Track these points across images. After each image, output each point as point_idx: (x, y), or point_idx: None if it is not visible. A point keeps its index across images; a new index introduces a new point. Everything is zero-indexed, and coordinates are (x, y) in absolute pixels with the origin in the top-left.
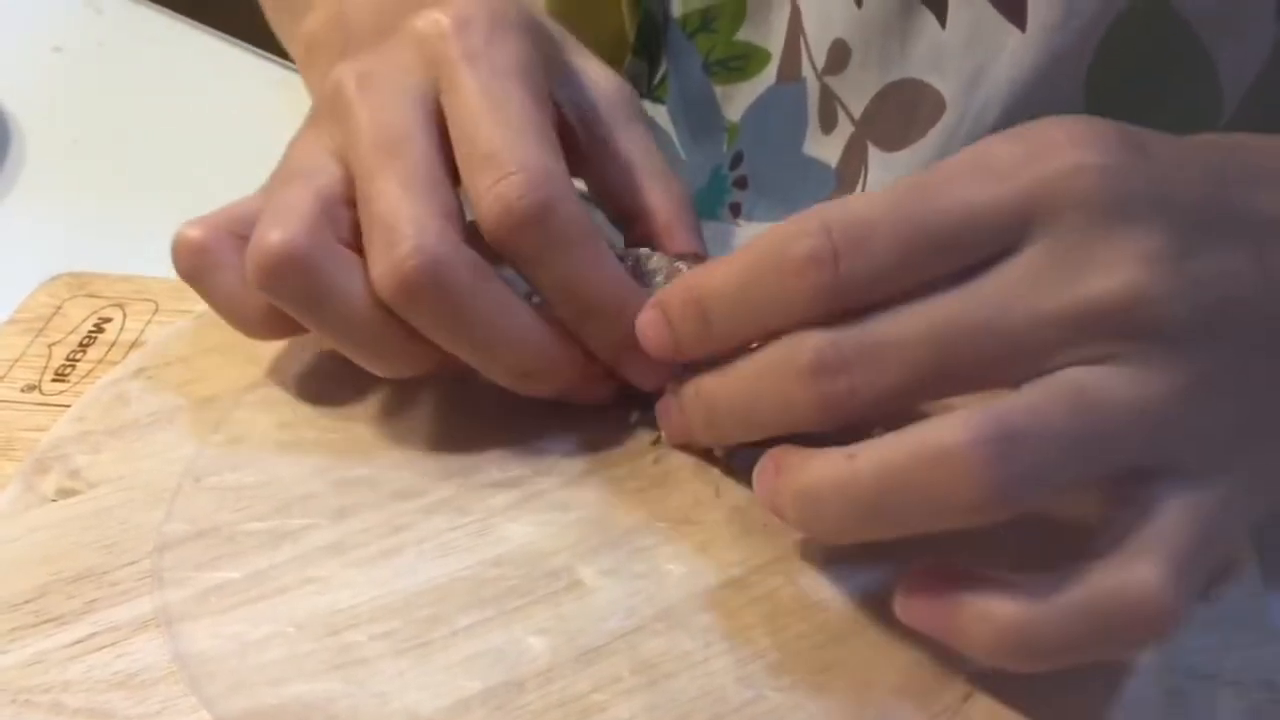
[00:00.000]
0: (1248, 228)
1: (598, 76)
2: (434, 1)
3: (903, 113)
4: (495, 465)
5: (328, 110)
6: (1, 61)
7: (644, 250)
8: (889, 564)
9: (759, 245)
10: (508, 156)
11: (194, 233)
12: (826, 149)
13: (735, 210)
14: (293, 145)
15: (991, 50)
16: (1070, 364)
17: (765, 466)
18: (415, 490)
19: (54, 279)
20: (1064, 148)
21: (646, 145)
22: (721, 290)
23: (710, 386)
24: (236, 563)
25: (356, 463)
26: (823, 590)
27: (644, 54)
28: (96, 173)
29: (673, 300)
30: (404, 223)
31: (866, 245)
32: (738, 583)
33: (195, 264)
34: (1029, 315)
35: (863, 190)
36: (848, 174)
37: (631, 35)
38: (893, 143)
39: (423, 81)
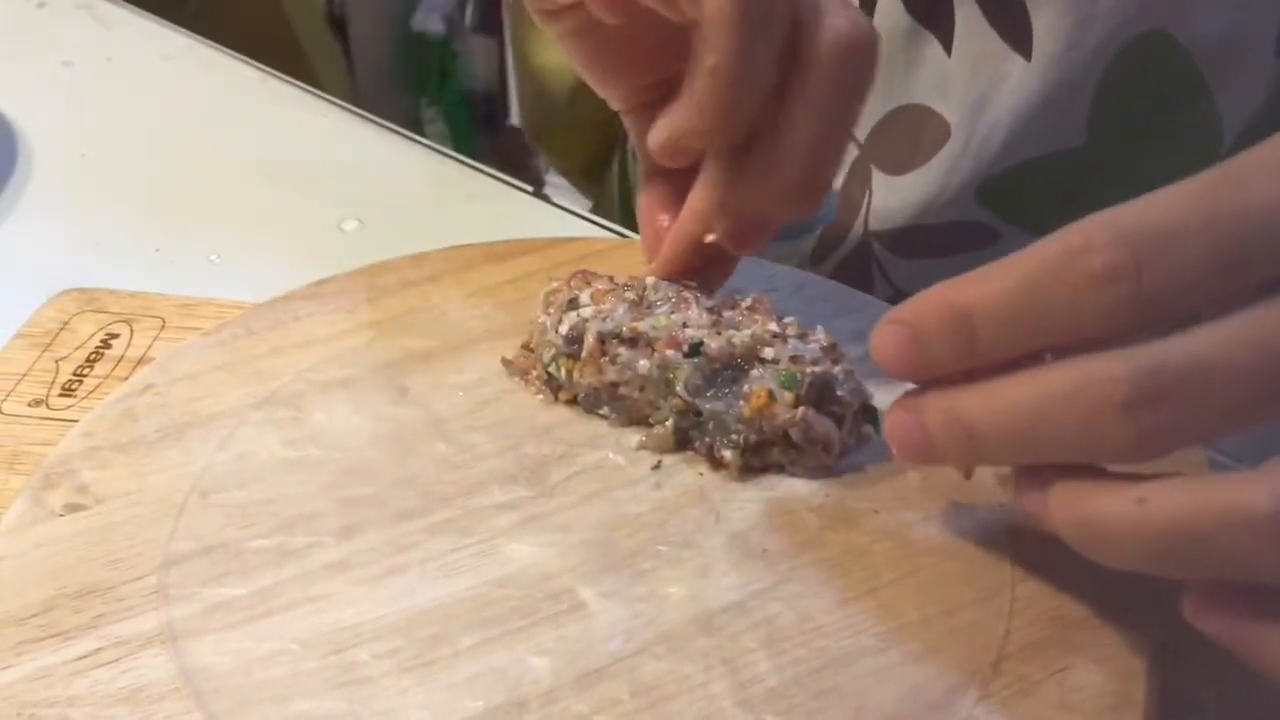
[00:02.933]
0: None
1: None
2: None
3: (907, 137)
4: (499, 486)
5: None
6: (11, 76)
7: (650, 279)
8: (890, 591)
9: (1039, 256)
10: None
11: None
12: None
13: None
14: None
15: (996, 77)
16: None
17: (1035, 488)
18: (419, 510)
19: (62, 294)
20: None
21: None
22: (996, 305)
23: (974, 410)
24: (242, 579)
25: (361, 481)
26: (822, 616)
27: None
28: (104, 187)
29: (927, 315)
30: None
31: (1173, 255)
32: (737, 607)
33: None
34: None
35: (866, 213)
36: (850, 196)
37: None
38: (897, 167)
39: None
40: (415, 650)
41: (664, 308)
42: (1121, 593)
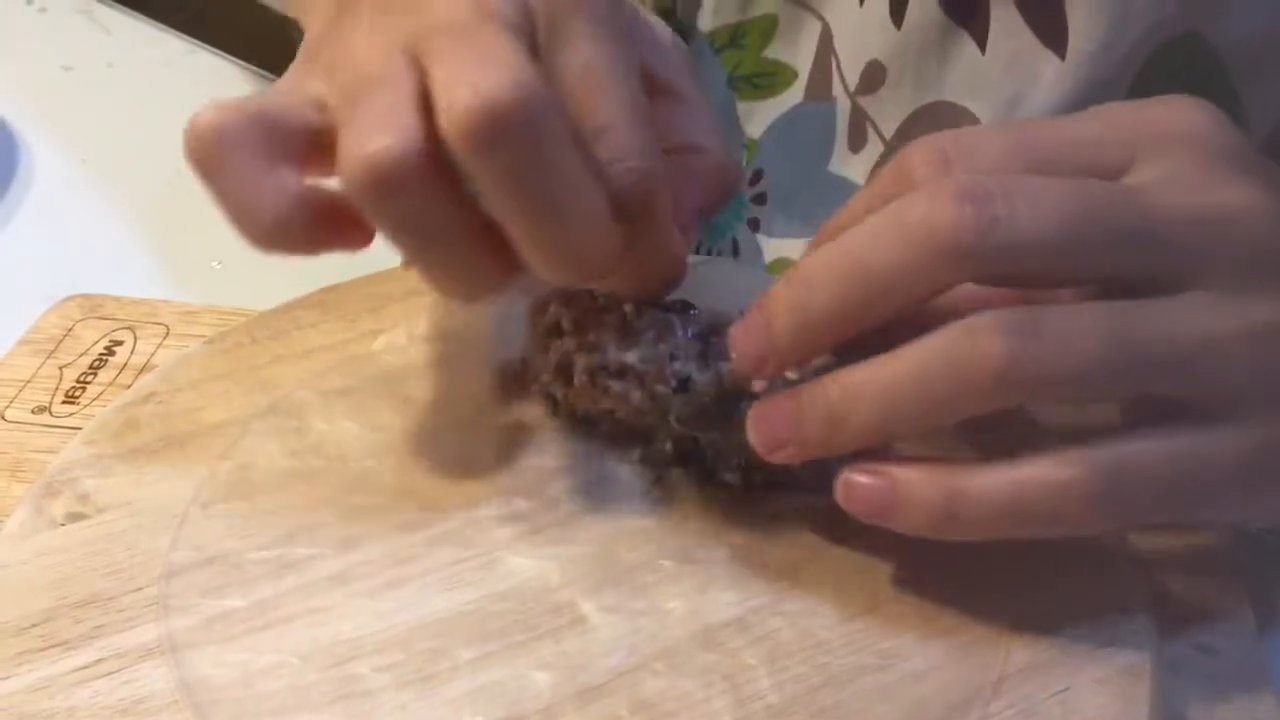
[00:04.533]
0: None
1: (663, 32)
2: None
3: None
4: (500, 499)
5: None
6: (11, 81)
7: (630, 306)
8: (892, 608)
9: (873, 185)
10: (620, 134)
11: (212, 114)
12: (853, 168)
13: (754, 225)
14: (339, 42)
15: (1030, 76)
16: (1173, 272)
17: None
18: (420, 522)
19: (66, 300)
20: (1171, 106)
21: (703, 96)
22: (844, 255)
23: (861, 379)
24: (242, 591)
25: (362, 492)
26: (823, 632)
27: None
28: (105, 193)
29: (814, 268)
30: (505, 60)
31: (976, 153)
32: (738, 623)
33: (210, 147)
34: (1159, 211)
35: None
36: None
37: None
38: None
39: (520, 6)
40: (415, 664)
41: (649, 334)
42: (1123, 613)
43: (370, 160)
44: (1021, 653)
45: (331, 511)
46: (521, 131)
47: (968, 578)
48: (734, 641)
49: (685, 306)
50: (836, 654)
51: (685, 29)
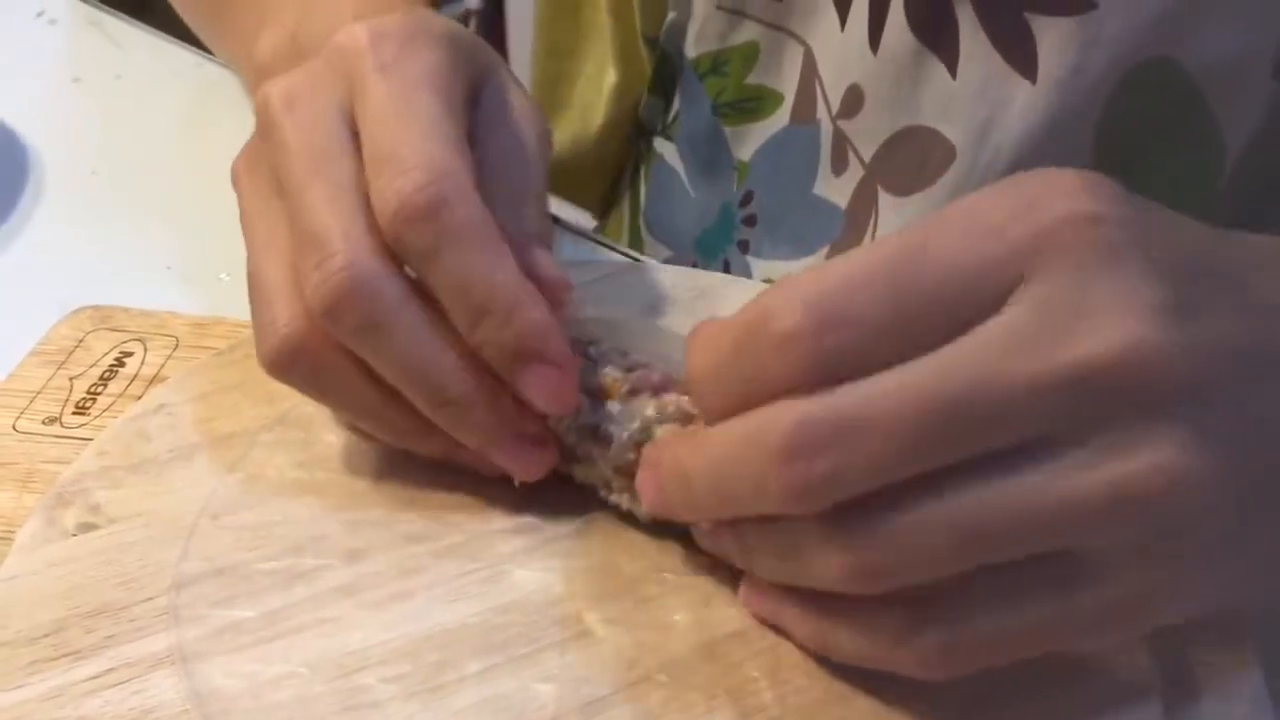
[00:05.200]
0: (1244, 303)
1: (519, 101)
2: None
3: (913, 159)
4: (506, 511)
5: (260, 133)
6: (21, 93)
7: (596, 351)
8: None
9: (738, 322)
10: (406, 153)
11: (285, 327)
12: (836, 191)
13: (744, 247)
14: (238, 174)
15: (1001, 101)
16: (1043, 433)
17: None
18: (427, 534)
19: (76, 312)
20: (1055, 198)
21: (540, 171)
22: (710, 369)
23: (683, 455)
24: (251, 602)
25: (370, 504)
26: None
27: (660, 92)
28: (115, 204)
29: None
30: (335, 237)
31: (849, 315)
32: (741, 636)
33: (297, 364)
34: (1018, 379)
35: (873, 234)
36: (858, 216)
37: (649, 73)
38: (903, 188)
39: (342, 95)
40: (422, 675)
41: (618, 411)
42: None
43: (329, 285)
44: (1023, 667)
45: (339, 523)
46: (359, 302)
47: None
48: (736, 654)
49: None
50: (838, 668)
51: (671, 57)
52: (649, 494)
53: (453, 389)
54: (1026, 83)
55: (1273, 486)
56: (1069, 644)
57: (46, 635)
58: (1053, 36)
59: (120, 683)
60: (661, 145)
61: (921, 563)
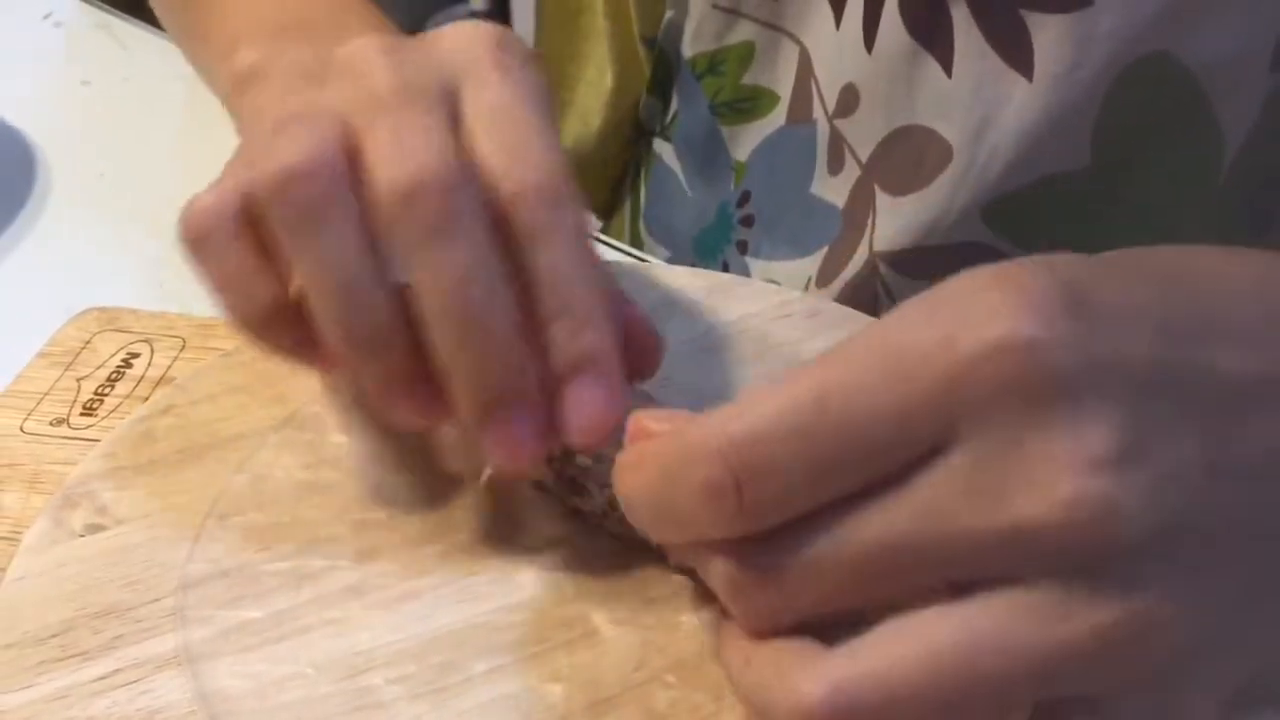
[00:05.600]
0: (1198, 403)
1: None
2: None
3: (909, 158)
4: (513, 512)
5: (337, 70)
6: (28, 95)
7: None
8: None
9: (667, 452)
10: (535, 148)
11: (207, 196)
12: (833, 190)
13: (742, 248)
14: (271, 113)
15: (998, 99)
16: (997, 578)
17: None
18: (434, 535)
19: (83, 313)
20: (984, 323)
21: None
22: (640, 496)
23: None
24: (258, 602)
25: (378, 506)
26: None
27: (658, 92)
28: (123, 206)
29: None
30: (427, 135)
31: (767, 471)
32: None
33: (203, 231)
34: (953, 535)
35: (871, 234)
36: (855, 216)
37: (647, 73)
38: (900, 187)
39: (448, 77)
40: (429, 676)
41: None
42: None
43: (285, 168)
44: None
45: (347, 524)
46: (441, 194)
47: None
48: None
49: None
50: None
51: (669, 57)
52: None
53: (489, 326)
54: (1023, 80)
55: (1265, 588)
56: None
57: (54, 636)
58: (1049, 33)
59: (127, 683)
60: (660, 145)
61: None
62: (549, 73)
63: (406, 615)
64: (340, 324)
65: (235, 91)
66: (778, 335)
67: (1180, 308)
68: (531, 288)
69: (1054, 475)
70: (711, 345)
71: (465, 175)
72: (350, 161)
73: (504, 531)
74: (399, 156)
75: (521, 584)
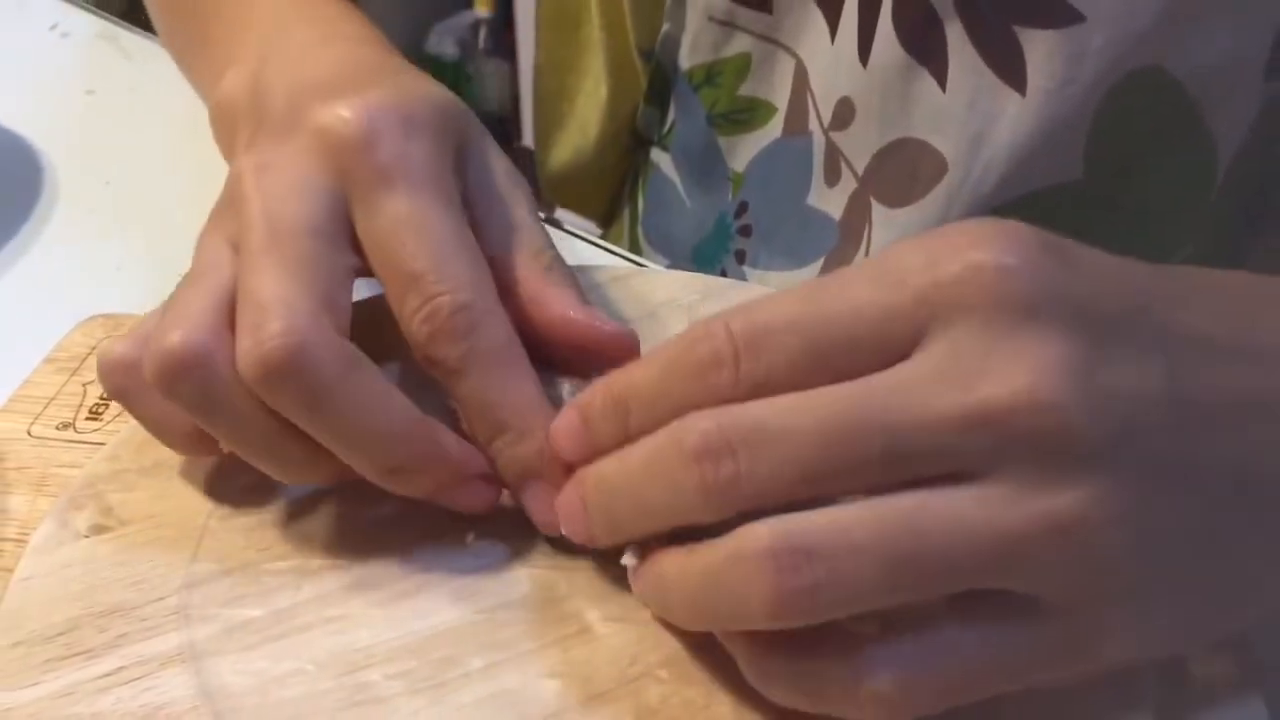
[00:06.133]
0: (1163, 346)
1: (502, 167)
2: (343, 89)
3: (904, 171)
4: (510, 512)
5: (228, 199)
6: (35, 105)
7: (568, 384)
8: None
9: (674, 344)
10: (434, 276)
11: (119, 349)
12: (830, 202)
13: (740, 258)
14: (200, 236)
15: (992, 113)
16: (955, 471)
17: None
18: (434, 533)
19: (89, 319)
20: (963, 249)
21: (530, 222)
22: (642, 389)
23: (605, 467)
24: (260, 601)
25: (377, 505)
26: None
27: (656, 102)
28: (127, 214)
29: (594, 400)
30: (275, 303)
31: (764, 346)
32: None
33: (120, 382)
34: (918, 415)
35: (868, 246)
36: (852, 228)
37: (644, 84)
38: (895, 200)
39: (330, 185)
40: (427, 672)
41: None
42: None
43: (163, 355)
44: None
45: (347, 524)
46: (294, 373)
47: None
48: None
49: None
50: None
51: (666, 69)
52: (571, 510)
53: (399, 459)
54: (1016, 95)
55: (1211, 533)
56: (1012, 685)
57: (60, 634)
58: (1041, 49)
59: (132, 680)
60: (658, 155)
61: (849, 588)
62: (548, 84)
63: (405, 613)
64: (261, 466)
65: (218, 118)
66: None
67: (1155, 281)
68: (467, 411)
69: (1017, 369)
70: None
71: (309, 342)
72: (230, 326)
73: (501, 530)
74: (250, 330)
75: (518, 582)
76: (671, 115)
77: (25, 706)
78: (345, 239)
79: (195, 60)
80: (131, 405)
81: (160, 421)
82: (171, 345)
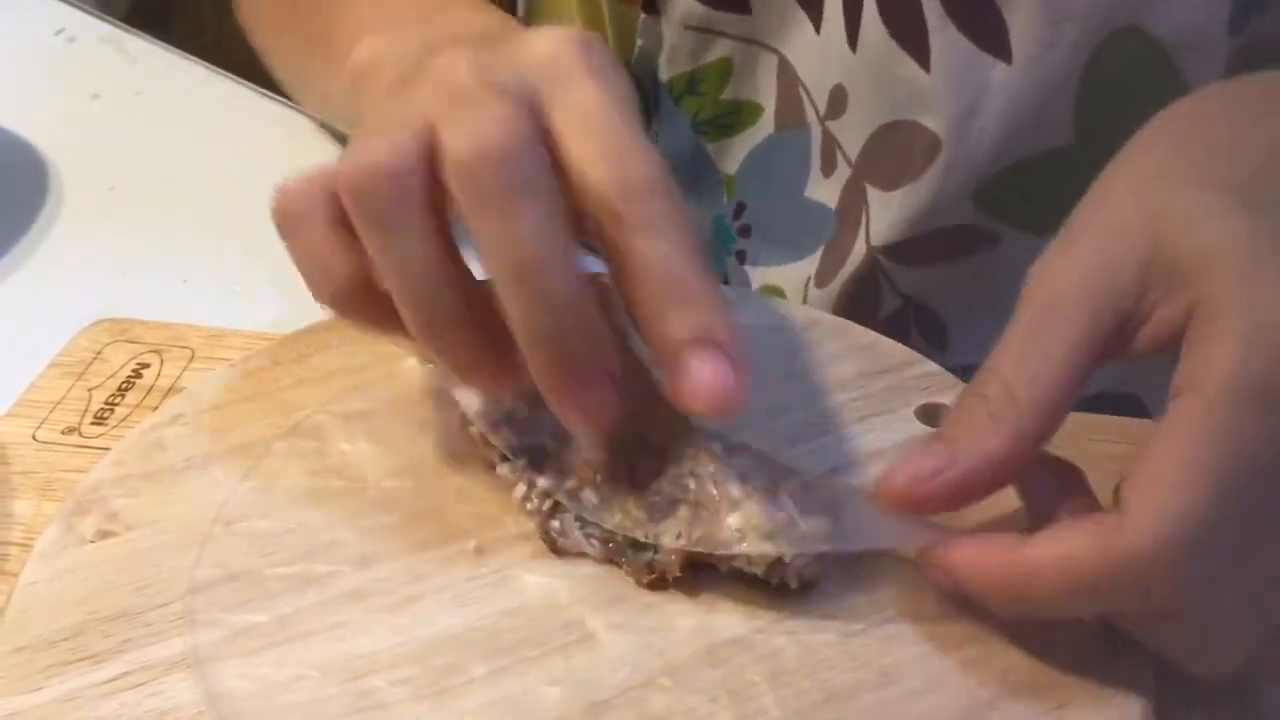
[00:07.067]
0: None
1: None
2: (503, 35)
3: (898, 152)
4: (513, 518)
5: (426, 77)
6: (40, 109)
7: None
8: (892, 627)
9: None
10: (633, 143)
11: (299, 178)
12: (826, 192)
13: (741, 257)
14: (372, 112)
15: (979, 86)
16: None
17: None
18: (436, 540)
19: (95, 324)
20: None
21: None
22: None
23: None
24: (264, 606)
25: (381, 513)
26: (826, 650)
27: None
28: (132, 218)
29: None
30: (492, 105)
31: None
32: (743, 641)
33: (293, 207)
34: None
35: (866, 230)
36: (848, 214)
37: None
38: (890, 182)
39: (536, 81)
40: (430, 678)
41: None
42: (1122, 636)
43: (367, 164)
44: (1018, 671)
45: (351, 530)
46: (505, 162)
47: (967, 598)
48: (739, 658)
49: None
50: (838, 671)
51: (643, 83)
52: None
53: (564, 299)
54: (1002, 64)
55: None
56: None
57: (65, 639)
58: (1022, 17)
59: (136, 685)
60: None
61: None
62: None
63: (408, 619)
64: (413, 313)
65: (353, 86)
66: (775, 346)
67: None
68: (637, 276)
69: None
70: None
71: (530, 148)
72: (429, 158)
73: (504, 538)
74: (467, 133)
75: (520, 589)
76: (654, 129)
77: (30, 711)
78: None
79: (315, 51)
80: (294, 236)
81: (318, 258)
82: (375, 151)
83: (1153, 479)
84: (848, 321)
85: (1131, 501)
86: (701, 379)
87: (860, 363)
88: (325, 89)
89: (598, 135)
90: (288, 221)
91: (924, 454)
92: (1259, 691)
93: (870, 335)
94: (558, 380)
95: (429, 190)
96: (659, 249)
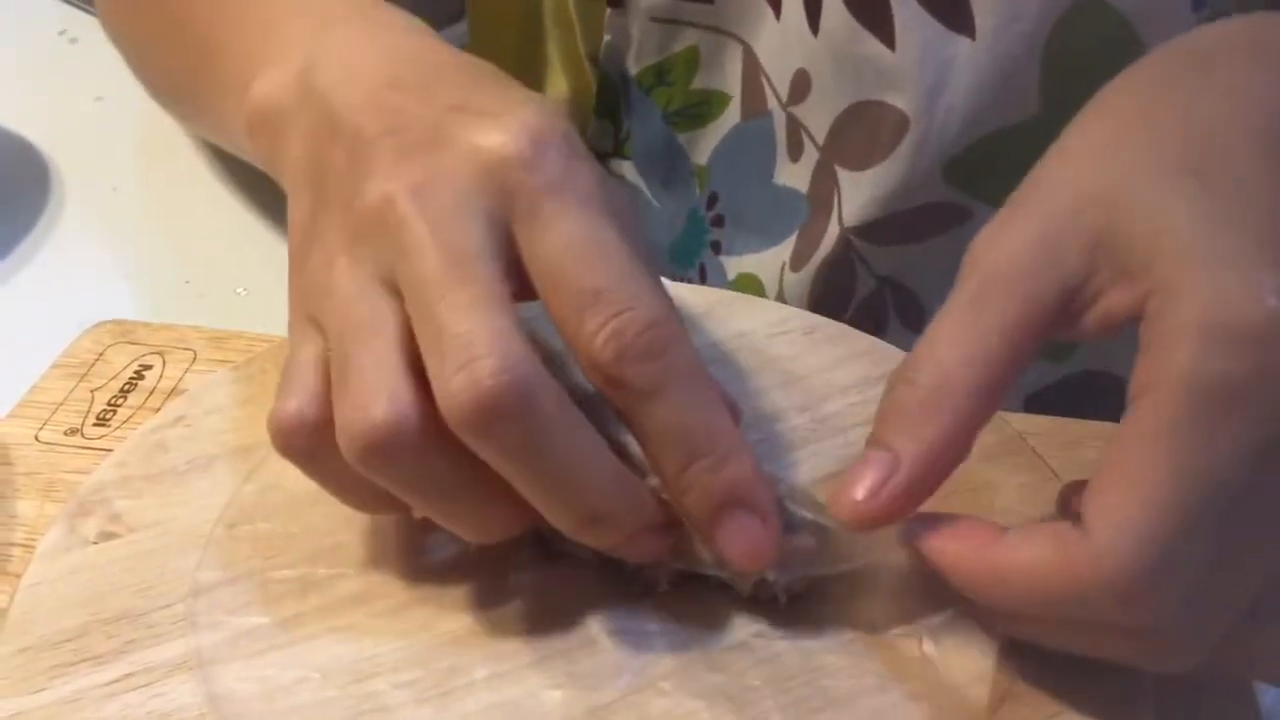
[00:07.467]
0: None
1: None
2: (477, 107)
3: (866, 133)
4: None
5: (372, 228)
6: (43, 110)
7: None
8: (892, 633)
9: (1060, 566)
10: (619, 293)
11: (293, 407)
12: (796, 177)
13: (716, 248)
14: (333, 274)
15: (944, 62)
16: None
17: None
18: (438, 544)
19: (97, 325)
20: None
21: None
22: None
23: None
24: (267, 609)
25: (383, 515)
26: (826, 656)
27: (605, 114)
28: (135, 220)
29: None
30: (485, 339)
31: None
32: (743, 646)
33: (303, 445)
34: None
35: (839, 213)
36: (819, 198)
37: (592, 98)
38: (860, 163)
39: (489, 205)
40: (432, 681)
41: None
42: None
43: (365, 435)
44: (1018, 677)
45: (352, 532)
46: (516, 414)
47: (966, 604)
48: (739, 663)
49: None
50: (838, 677)
51: (612, 78)
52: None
53: (605, 507)
54: (965, 39)
55: None
56: None
57: (68, 641)
58: None
59: (139, 687)
60: (618, 165)
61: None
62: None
63: (410, 622)
64: (456, 527)
65: (249, 132)
66: (774, 351)
67: None
68: (652, 440)
69: None
70: (710, 360)
71: (541, 384)
72: (419, 381)
73: (505, 541)
74: (463, 384)
75: (523, 593)
76: (626, 123)
77: (33, 712)
78: (509, 263)
79: (202, 84)
80: (315, 469)
81: (349, 485)
82: (375, 422)
83: (1114, 496)
84: (847, 326)
85: (1094, 518)
86: (733, 543)
87: (859, 367)
88: (220, 115)
89: (576, 283)
90: (298, 459)
91: (865, 466)
92: (1259, 692)
93: (869, 340)
94: (613, 549)
95: (436, 426)
96: (668, 413)
